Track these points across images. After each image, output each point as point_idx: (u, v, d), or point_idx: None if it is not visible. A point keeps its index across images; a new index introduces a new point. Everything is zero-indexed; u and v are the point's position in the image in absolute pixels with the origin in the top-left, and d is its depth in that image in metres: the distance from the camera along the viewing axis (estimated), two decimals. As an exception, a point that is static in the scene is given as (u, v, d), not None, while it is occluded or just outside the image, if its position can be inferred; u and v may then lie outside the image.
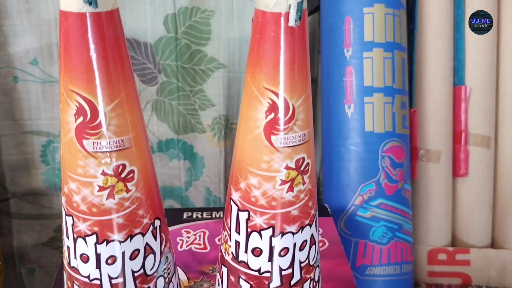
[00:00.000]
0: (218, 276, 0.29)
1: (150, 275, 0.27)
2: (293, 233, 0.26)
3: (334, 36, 0.50)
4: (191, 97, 0.60)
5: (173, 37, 0.57)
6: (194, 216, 0.45)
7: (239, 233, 0.26)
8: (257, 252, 0.26)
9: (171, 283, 0.29)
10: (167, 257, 0.28)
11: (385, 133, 0.48)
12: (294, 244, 0.26)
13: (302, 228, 0.26)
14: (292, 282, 0.27)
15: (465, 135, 0.53)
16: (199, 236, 0.43)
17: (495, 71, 0.54)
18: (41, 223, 0.62)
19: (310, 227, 0.26)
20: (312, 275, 0.28)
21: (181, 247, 0.40)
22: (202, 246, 0.41)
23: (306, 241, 0.26)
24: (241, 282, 0.27)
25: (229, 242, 0.27)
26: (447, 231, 0.53)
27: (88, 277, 0.25)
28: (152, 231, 0.26)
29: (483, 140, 0.53)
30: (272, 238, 0.25)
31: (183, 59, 0.58)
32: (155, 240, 0.26)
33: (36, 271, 0.65)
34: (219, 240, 0.42)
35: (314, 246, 0.27)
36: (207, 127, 0.61)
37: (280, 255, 0.26)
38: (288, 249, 0.26)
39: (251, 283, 0.27)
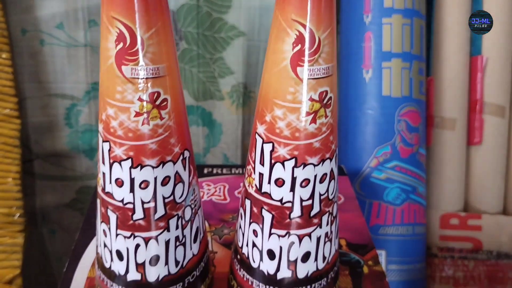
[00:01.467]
0: (241, 211, 0.31)
1: (179, 203, 0.28)
2: (314, 165, 0.27)
3: (354, 2, 0.51)
4: (211, 64, 0.61)
5: (195, 4, 0.58)
6: (214, 171, 0.47)
7: (263, 165, 0.28)
8: (279, 182, 0.27)
9: (197, 215, 0.30)
10: (194, 189, 0.30)
11: (402, 97, 0.49)
12: (315, 176, 0.27)
13: (323, 160, 0.27)
14: (312, 213, 0.28)
15: (480, 104, 0.54)
16: (219, 188, 0.44)
17: (512, 42, 0.55)
18: (64, 184, 0.64)
19: (331, 161, 0.28)
20: (330, 209, 0.29)
21: (202, 197, 0.42)
22: (222, 197, 0.43)
23: (326, 174, 0.28)
24: (264, 212, 0.29)
25: (253, 175, 0.29)
26: (460, 197, 0.54)
27: (122, 201, 0.27)
28: (182, 161, 0.28)
29: (498, 109, 0.54)
30: (295, 168, 0.27)
31: (204, 27, 0.59)
32: (184, 170, 0.28)
33: (57, 232, 0.67)
34: (238, 192, 0.44)
35: (333, 181, 0.29)
36: (226, 94, 0.62)
37: (301, 186, 0.27)
38: (309, 180, 0.27)
39: (273, 213, 0.28)
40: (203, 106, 0.63)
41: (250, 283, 0.31)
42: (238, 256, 0.32)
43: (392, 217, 0.49)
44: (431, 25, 0.54)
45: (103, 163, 0.27)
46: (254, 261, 0.30)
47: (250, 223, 0.30)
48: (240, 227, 0.31)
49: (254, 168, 0.28)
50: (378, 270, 0.36)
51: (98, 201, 0.29)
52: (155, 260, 0.29)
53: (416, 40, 0.50)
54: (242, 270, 0.32)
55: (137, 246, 0.28)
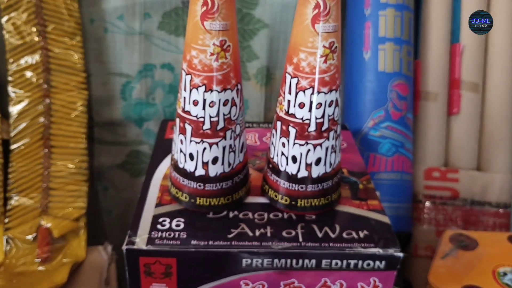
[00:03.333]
0: (273, 131, 0.44)
1: (233, 120, 0.42)
2: (325, 93, 0.40)
3: (357, 0, 0.65)
4: (240, 51, 0.74)
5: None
6: (247, 125, 0.61)
7: (290, 94, 0.41)
8: (301, 105, 0.41)
9: (243, 133, 0.44)
10: (242, 113, 0.43)
11: (394, 73, 0.63)
12: (325, 101, 0.41)
13: (330, 91, 0.41)
14: (323, 129, 0.42)
15: (458, 82, 0.67)
16: (251, 136, 0.58)
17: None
18: (116, 148, 0.75)
19: (336, 92, 0.41)
20: (335, 128, 0.43)
21: (239, 140, 0.55)
22: (254, 141, 0.57)
23: (332, 101, 0.41)
24: (290, 128, 0.42)
25: (283, 103, 0.42)
26: (441, 155, 0.67)
27: (196, 116, 0.41)
28: (236, 90, 0.41)
29: (472, 86, 0.67)
30: (312, 95, 0.40)
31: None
32: (237, 97, 0.42)
33: (109, 189, 0.79)
34: (266, 138, 0.57)
35: (337, 107, 0.42)
36: (252, 76, 0.74)
37: (316, 108, 0.41)
38: (321, 104, 0.41)
39: (296, 128, 0.42)
40: (233, 85, 0.75)
41: (278, 183, 0.44)
42: (270, 165, 0.45)
43: (384, 165, 0.62)
44: (419, 18, 0.68)
45: (185, 90, 0.41)
46: (281, 166, 0.44)
47: (280, 138, 0.43)
48: (272, 143, 0.45)
49: (284, 97, 0.42)
50: (370, 187, 0.49)
51: (178, 119, 0.42)
52: (215, 160, 0.42)
53: (405, 28, 0.64)
54: (272, 175, 0.45)
55: (204, 149, 0.42)
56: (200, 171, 0.43)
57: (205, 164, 0.42)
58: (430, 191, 0.66)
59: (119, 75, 0.72)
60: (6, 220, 0.65)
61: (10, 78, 0.68)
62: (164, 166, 0.51)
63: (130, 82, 0.72)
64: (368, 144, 0.62)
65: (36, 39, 0.68)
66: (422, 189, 0.66)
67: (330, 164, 0.43)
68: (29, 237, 0.65)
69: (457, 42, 0.67)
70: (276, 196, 0.45)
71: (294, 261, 0.41)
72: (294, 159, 0.43)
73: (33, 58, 0.68)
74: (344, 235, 0.42)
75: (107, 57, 0.71)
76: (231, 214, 0.44)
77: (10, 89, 0.68)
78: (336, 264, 0.41)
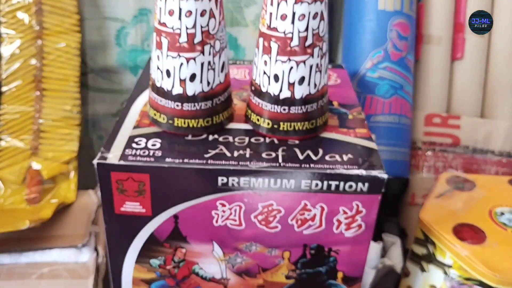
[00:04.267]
0: (255, 50, 0.42)
1: (211, 34, 0.40)
2: (308, 3, 0.38)
3: None
4: (239, -4, 0.71)
5: None
6: (238, 63, 0.59)
7: (272, 5, 0.39)
8: (283, 17, 0.39)
9: (224, 52, 0.42)
10: (222, 29, 0.41)
11: (394, 11, 0.60)
12: (309, 13, 0.38)
13: (315, 1, 0.38)
14: (306, 44, 0.39)
15: (463, 26, 0.64)
16: (241, 72, 0.56)
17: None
18: (111, 96, 0.74)
19: (321, 3, 0.39)
20: (321, 45, 0.40)
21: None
22: (243, 76, 0.55)
23: (317, 13, 0.39)
24: (272, 44, 0.40)
25: (265, 17, 0.40)
26: (443, 101, 0.64)
27: (172, 28, 0.39)
28: (215, 0, 0.39)
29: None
30: (294, 5, 0.38)
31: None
32: (216, 8, 0.39)
33: (104, 138, 0.78)
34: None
35: (323, 21, 0.39)
36: (250, 22, 0.72)
37: (299, 20, 0.38)
38: (304, 15, 0.38)
39: (278, 43, 0.39)
40: (230, 32, 0.74)
41: (260, 105, 0.42)
42: (253, 87, 0.43)
43: (382, 107, 0.59)
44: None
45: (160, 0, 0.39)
46: (263, 86, 0.42)
47: (262, 56, 0.41)
48: (254, 63, 0.42)
49: (266, 10, 0.40)
50: (360, 117, 0.47)
51: (154, 34, 0.41)
52: (192, 77, 0.40)
53: (408, -35, 0.61)
54: (255, 97, 0.43)
55: (181, 65, 0.40)
56: (177, 89, 0.41)
57: (182, 82, 0.41)
58: (430, 138, 0.63)
59: (114, 20, 0.71)
60: (-4, 160, 0.65)
61: (2, 19, 0.67)
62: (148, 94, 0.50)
63: (125, 28, 0.72)
64: (366, 86, 0.60)
65: (26, -25, 0.67)
66: (422, 136, 0.63)
67: (315, 84, 0.41)
68: (18, 178, 0.64)
69: (463, -17, 0.64)
70: (258, 120, 0.43)
71: (272, 181, 0.39)
72: (276, 78, 0.41)
73: (24, -3, 0.67)
74: (327, 157, 0.40)
75: (101, 0, 0.69)
76: (210, 138, 0.42)
77: (1, 29, 0.67)
78: (317, 185, 0.39)
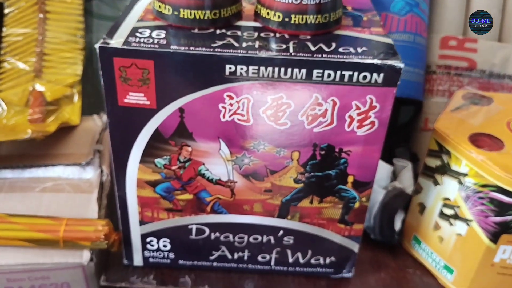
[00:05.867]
0: None
1: None
2: None
3: None
4: None
5: None
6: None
7: None
8: None
9: None
10: None
11: None
12: None
13: None
14: None
15: None
16: None
17: None
18: None
19: None
20: None
21: None
22: None
23: None
24: None
25: None
26: (460, 24, 0.61)
27: None
28: None
29: None
30: None
31: None
32: None
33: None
34: None
35: None
36: None
37: None
38: None
39: None
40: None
41: (271, -2, 0.40)
42: (263, -20, 0.41)
43: (396, 25, 0.57)
44: None
45: None
46: (275, -25, 0.39)
47: None
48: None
49: None
50: (375, 19, 0.45)
51: None
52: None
53: None
54: (265, -10, 0.41)
55: None
56: (183, -24, 0.39)
57: (188, -34, 0.38)
58: (445, 61, 0.60)
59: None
60: (-1, 83, 0.63)
61: None
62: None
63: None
64: (380, 2, 0.57)
65: None
66: (437, 59, 0.61)
67: (329, -26, 0.39)
68: (22, 99, 0.63)
69: None
70: (268, 14, 0.41)
71: (282, 70, 0.37)
72: (288, -36, 0.38)
73: None
74: (341, 49, 0.38)
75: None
76: (218, 32, 0.40)
77: (3, -52, 0.65)
78: (329, 76, 0.37)
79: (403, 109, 0.63)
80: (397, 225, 0.53)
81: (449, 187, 0.46)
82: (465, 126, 0.46)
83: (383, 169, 0.55)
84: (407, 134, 0.63)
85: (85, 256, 0.47)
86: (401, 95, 0.56)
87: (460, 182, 0.45)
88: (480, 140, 0.45)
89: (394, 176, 0.58)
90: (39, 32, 0.66)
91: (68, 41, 0.67)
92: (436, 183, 0.48)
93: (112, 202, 0.54)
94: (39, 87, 0.64)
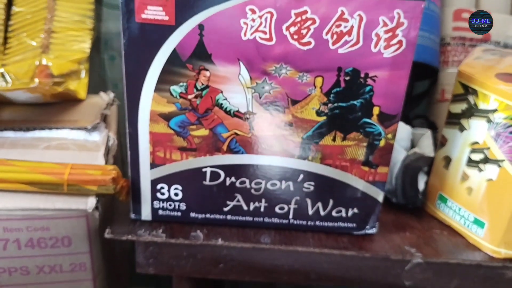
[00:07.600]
0: None
1: None
2: None
3: None
4: None
5: None
6: None
7: None
8: None
9: None
10: None
11: None
12: None
13: None
14: None
15: None
16: None
17: None
18: None
19: None
20: None
21: None
22: None
23: None
24: None
25: None
26: (472, -1, 0.61)
27: None
28: None
29: None
30: None
31: None
32: None
33: (116, 59, 0.76)
34: None
35: None
36: None
37: None
38: None
39: None
40: None
41: None
42: None
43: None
44: None
45: None
46: None
47: None
48: None
49: None
50: None
51: None
52: None
53: None
54: None
55: None
56: None
57: None
58: (459, 33, 0.60)
59: None
60: (5, 57, 0.62)
61: None
62: None
63: None
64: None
65: None
66: (451, 31, 0.60)
67: None
68: (28, 73, 0.61)
69: None
70: None
71: (307, -21, 0.36)
72: None
73: None
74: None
75: None
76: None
77: None
78: (356, -14, 0.36)
79: (419, 78, 0.61)
80: (421, 185, 0.50)
81: (476, 130, 0.44)
82: (490, 68, 0.45)
83: (403, 129, 0.53)
84: (423, 105, 0.62)
85: (90, 202, 0.43)
86: (418, 60, 0.55)
87: (489, 121, 0.43)
88: (506, 78, 0.43)
89: (412, 145, 0.55)
90: (49, 11, 0.65)
91: (77, 21, 0.66)
92: (462, 129, 0.46)
93: (118, 164, 0.52)
94: (46, 61, 0.62)
